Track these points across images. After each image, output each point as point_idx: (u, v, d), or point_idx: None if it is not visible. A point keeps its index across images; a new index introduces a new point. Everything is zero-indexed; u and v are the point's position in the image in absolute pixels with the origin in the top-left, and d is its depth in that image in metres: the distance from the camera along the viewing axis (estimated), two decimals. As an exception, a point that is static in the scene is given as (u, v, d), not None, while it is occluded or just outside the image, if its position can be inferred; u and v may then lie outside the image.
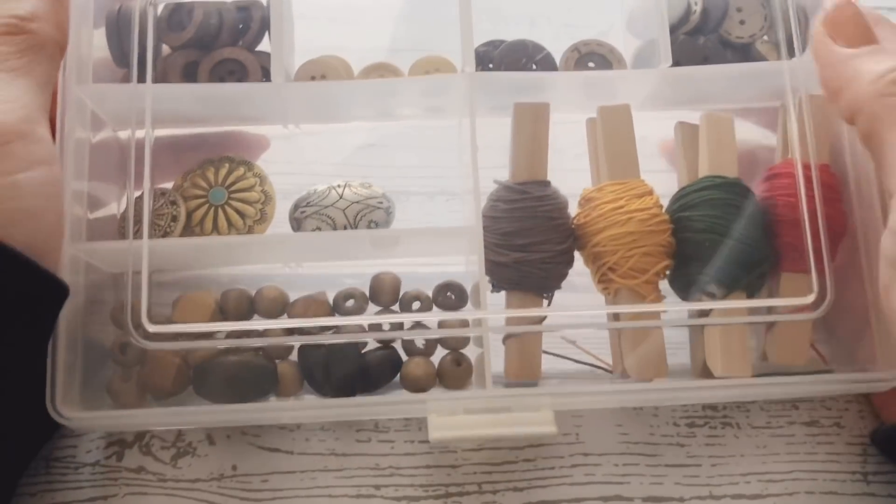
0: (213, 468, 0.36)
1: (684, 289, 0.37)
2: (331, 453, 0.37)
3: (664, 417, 0.38)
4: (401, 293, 0.37)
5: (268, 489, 0.36)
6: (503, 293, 0.37)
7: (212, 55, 0.38)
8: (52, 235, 0.30)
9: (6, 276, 0.28)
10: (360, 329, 0.37)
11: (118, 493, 0.35)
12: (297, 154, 0.42)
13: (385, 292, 0.37)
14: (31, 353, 0.31)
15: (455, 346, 0.37)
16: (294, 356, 0.36)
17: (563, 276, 0.37)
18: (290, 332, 0.36)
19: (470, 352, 0.37)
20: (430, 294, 0.37)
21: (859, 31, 0.33)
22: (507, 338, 0.37)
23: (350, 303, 0.37)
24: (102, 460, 0.36)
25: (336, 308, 0.37)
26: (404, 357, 0.37)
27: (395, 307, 0.37)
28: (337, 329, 0.36)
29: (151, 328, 0.33)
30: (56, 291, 0.30)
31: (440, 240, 0.38)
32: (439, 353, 0.37)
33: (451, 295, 0.37)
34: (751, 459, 0.37)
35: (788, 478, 0.36)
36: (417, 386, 0.36)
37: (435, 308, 0.37)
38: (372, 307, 0.37)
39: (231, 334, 0.36)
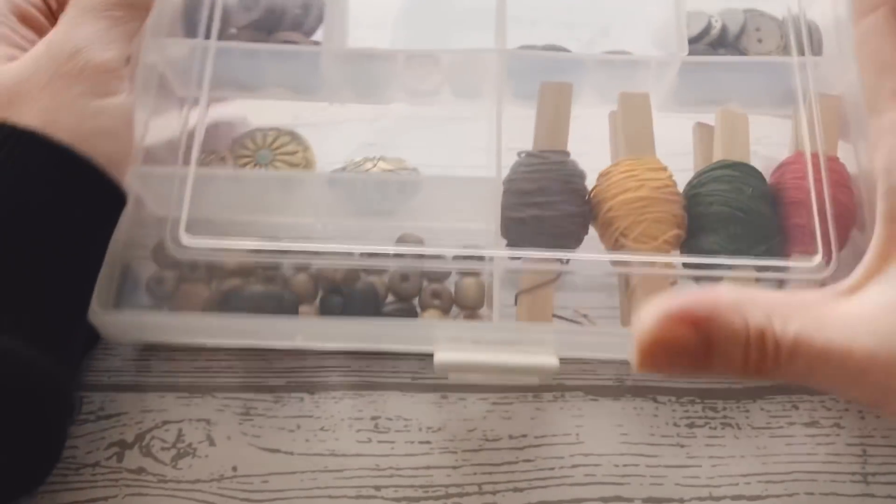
0: (214, 469, 0.36)
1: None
2: (331, 454, 0.37)
3: (664, 418, 0.38)
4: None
5: (268, 490, 0.36)
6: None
7: (272, 37, 0.41)
8: (125, 152, 0.35)
9: (79, 181, 0.33)
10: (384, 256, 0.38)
11: (118, 493, 0.35)
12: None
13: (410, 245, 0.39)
14: (93, 254, 0.34)
15: (470, 306, 0.38)
16: (316, 304, 0.38)
17: (578, 239, 0.38)
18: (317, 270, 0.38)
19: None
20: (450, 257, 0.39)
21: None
22: (519, 294, 0.38)
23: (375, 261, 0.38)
24: (103, 461, 0.36)
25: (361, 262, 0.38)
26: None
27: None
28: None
29: (188, 240, 0.34)
30: (118, 197, 0.34)
31: (461, 189, 0.39)
32: (454, 315, 0.38)
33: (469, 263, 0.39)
34: (751, 460, 0.37)
35: (788, 479, 0.36)
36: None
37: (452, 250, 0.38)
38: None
39: (260, 266, 0.38)
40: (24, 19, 0.35)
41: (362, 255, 0.38)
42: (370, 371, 0.39)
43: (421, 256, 0.38)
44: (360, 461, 0.36)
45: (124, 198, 0.35)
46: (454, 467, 0.36)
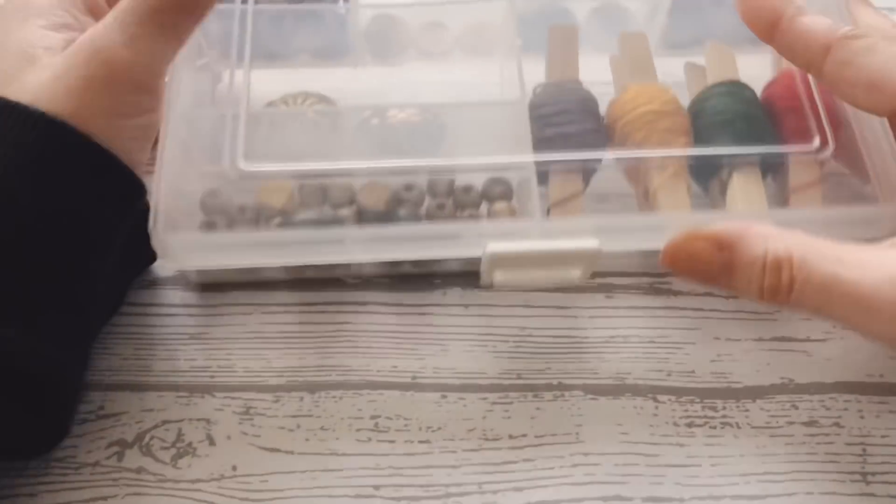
0: (214, 469, 0.36)
1: (702, 171, 0.40)
2: (331, 453, 0.37)
3: (664, 417, 0.38)
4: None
5: (268, 489, 0.36)
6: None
7: (299, 6, 0.44)
8: (138, 162, 0.35)
9: (107, 176, 0.33)
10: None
11: (118, 493, 0.35)
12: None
13: (440, 186, 0.41)
14: (111, 242, 0.35)
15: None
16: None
17: (599, 158, 0.40)
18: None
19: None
20: (480, 188, 0.41)
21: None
22: (551, 207, 0.39)
23: (412, 192, 0.40)
24: (102, 461, 0.36)
25: (398, 195, 0.40)
26: None
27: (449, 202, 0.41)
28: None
29: (245, 166, 0.37)
30: (140, 188, 0.35)
31: (487, 114, 0.41)
32: None
33: (498, 188, 0.41)
34: (750, 460, 0.37)
35: (788, 478, 0.36)
36: (474, 259, 0.38)
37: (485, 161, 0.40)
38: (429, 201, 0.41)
39: (305, 203, 0.40)
40: (91, 9, 0.36)
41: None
42: (370, 370, 0.39)
43: (453, 171, 0.40)
44: (360, 460, 0.36)
45: (143, 186, 0.35)
46: (454, 466, 0.36)
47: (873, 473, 0.37)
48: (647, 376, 0.39)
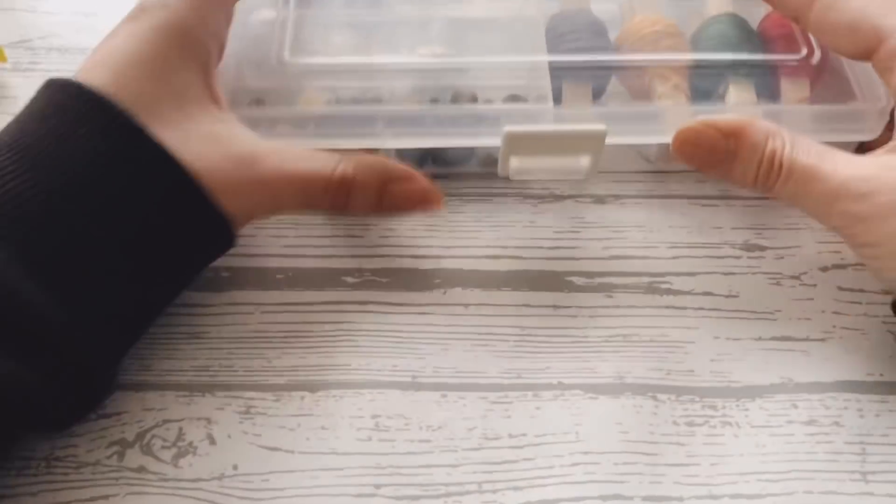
0: (214, 468, 0.36)
1: (701, 87, 0.43)
2: (331, 452, 0.37)
3: (663, 416, 0.38)
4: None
5: (268, 488, 0.36)
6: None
7: None
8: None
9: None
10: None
11: (119, 492, 0.35)
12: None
13: (463, 101, 0.43)
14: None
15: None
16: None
17: (608, 75, 0.44)
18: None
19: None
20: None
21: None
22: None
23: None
24: (103, 460, 0.36)
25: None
26: None
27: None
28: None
29: (292, 59, 0.40)
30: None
31: (505, 31, 0.45)
32: None
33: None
34: (750, 459, 0.37)
35: (787, 477, 0.36)
36: (490, 159, 0.41)
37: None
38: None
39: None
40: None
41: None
42: (370, 370, 0.39)
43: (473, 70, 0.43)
44: (361, 459, 0.37)
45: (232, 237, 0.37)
46: (454, 466, 0.37)
47: (873, 472, 0.37)
48: (646, 375, 0.39)
